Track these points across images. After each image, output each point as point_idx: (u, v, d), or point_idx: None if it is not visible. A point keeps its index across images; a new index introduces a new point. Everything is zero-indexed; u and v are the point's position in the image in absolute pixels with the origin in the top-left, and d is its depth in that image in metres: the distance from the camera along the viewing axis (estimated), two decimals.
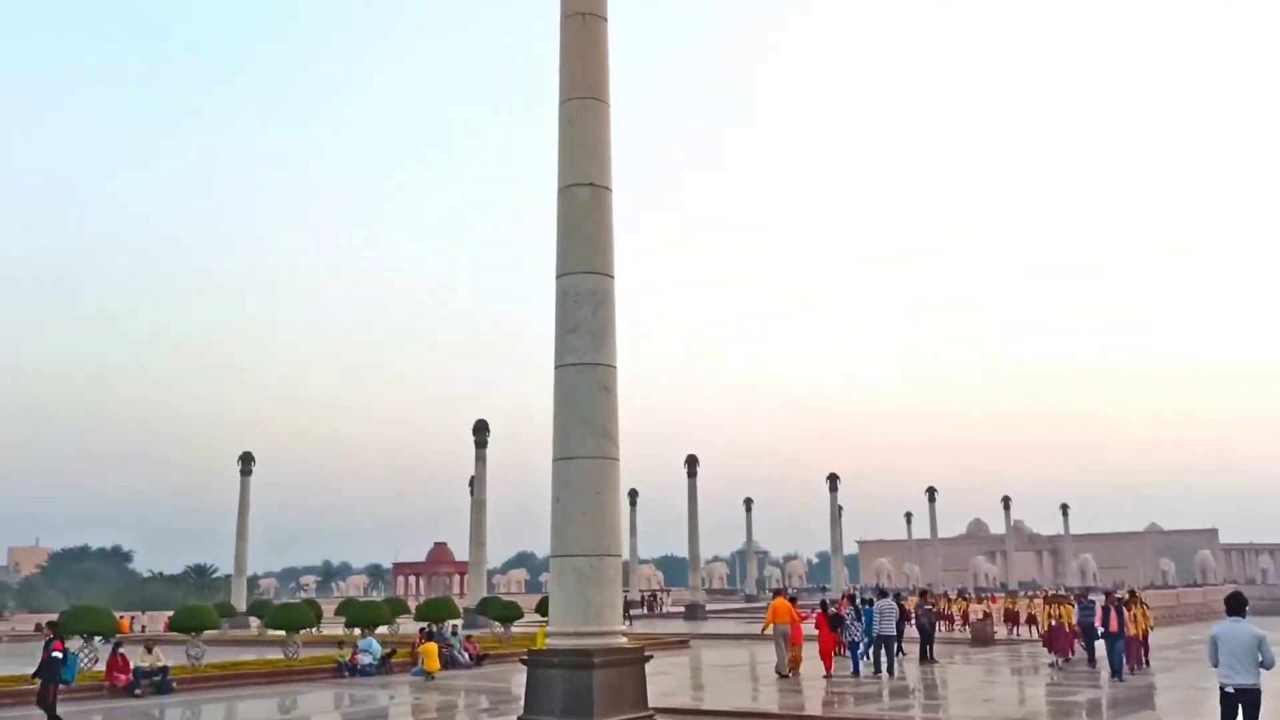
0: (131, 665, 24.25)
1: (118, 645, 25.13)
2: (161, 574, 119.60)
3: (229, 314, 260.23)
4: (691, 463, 66.88)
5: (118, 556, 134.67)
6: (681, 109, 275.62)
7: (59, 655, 18.14)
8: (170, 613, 50.02)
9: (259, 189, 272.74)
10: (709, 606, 70.78)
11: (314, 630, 37.44)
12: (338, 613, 44.91)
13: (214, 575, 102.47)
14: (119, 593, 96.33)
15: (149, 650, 24.78)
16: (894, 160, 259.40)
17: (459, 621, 37.20)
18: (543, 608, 38.79)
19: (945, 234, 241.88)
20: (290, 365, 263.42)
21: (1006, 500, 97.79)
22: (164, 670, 24.60)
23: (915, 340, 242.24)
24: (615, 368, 14.93)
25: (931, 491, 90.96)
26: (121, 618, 31.40)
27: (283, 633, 31.94)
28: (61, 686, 19.14)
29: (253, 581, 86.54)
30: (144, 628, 55.03)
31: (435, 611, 35.65)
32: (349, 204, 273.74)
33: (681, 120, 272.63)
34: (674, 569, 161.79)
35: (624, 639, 14.40)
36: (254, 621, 50.71)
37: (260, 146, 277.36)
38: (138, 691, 23.65)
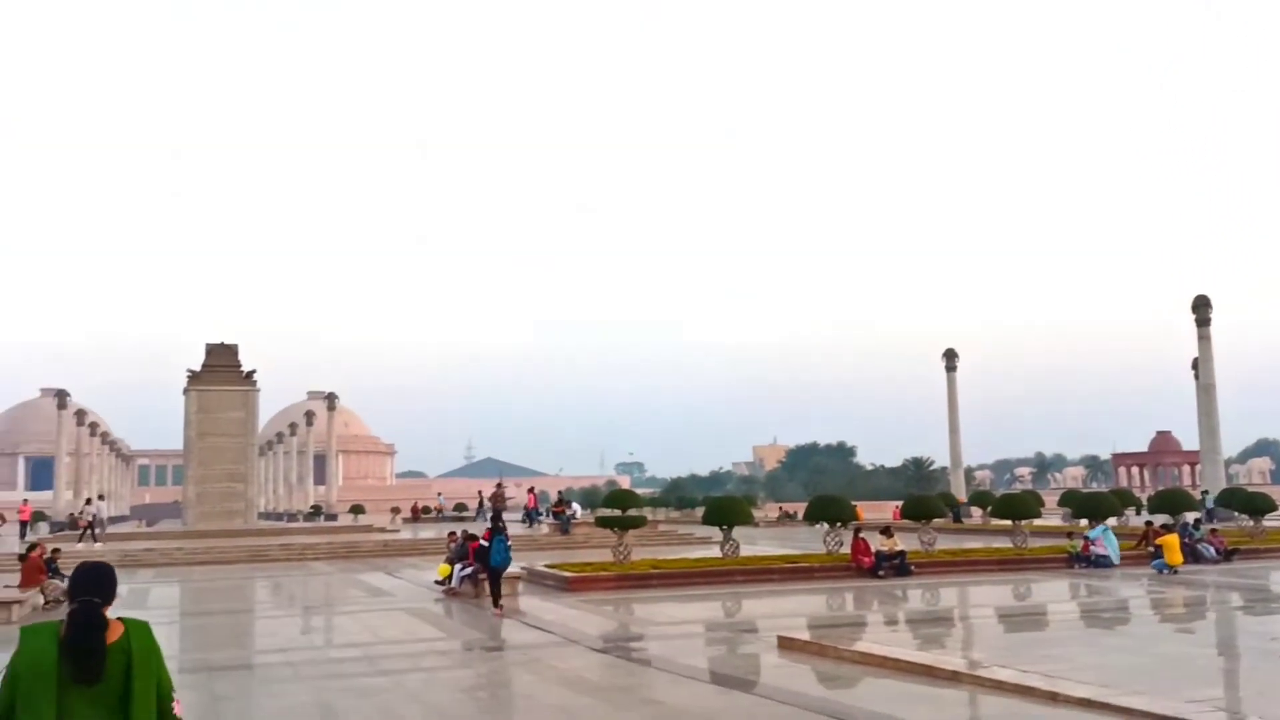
0: (872, 549, 26.37)
1: (858, 531, 27.47)
2: (882, 466, 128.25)
3: (925, 210, 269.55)
4: None
5: (843, 451, 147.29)
6: None
7: (485, 544, 21.62)
8: (896, 503, 53.33)
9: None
10: None
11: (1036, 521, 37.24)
12: (1060, 503, 44.21)
13: (930, 467, 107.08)
14: (847, 484, 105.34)
15: (887, 536, 26.71)
16: None
17: (1199, 514, 34.37)
18: None
19: None
20: (990, 256, 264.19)
21: None
22: (902, 554, 26.35)
23: None
24: None
25: None
26: (857, 506, 34.14)
27: (1007, 522, 32.29)
28: (813, 566, 24.41)
29: (968, 473, 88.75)
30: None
31: (1170, 503, 33.32)
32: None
33: None
34: None
35: None
36: (975, 511, 52.06)
37: None
38: (880, 573, 25.66)
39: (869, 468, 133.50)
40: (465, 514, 67.13)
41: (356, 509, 75.48)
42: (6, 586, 22.46)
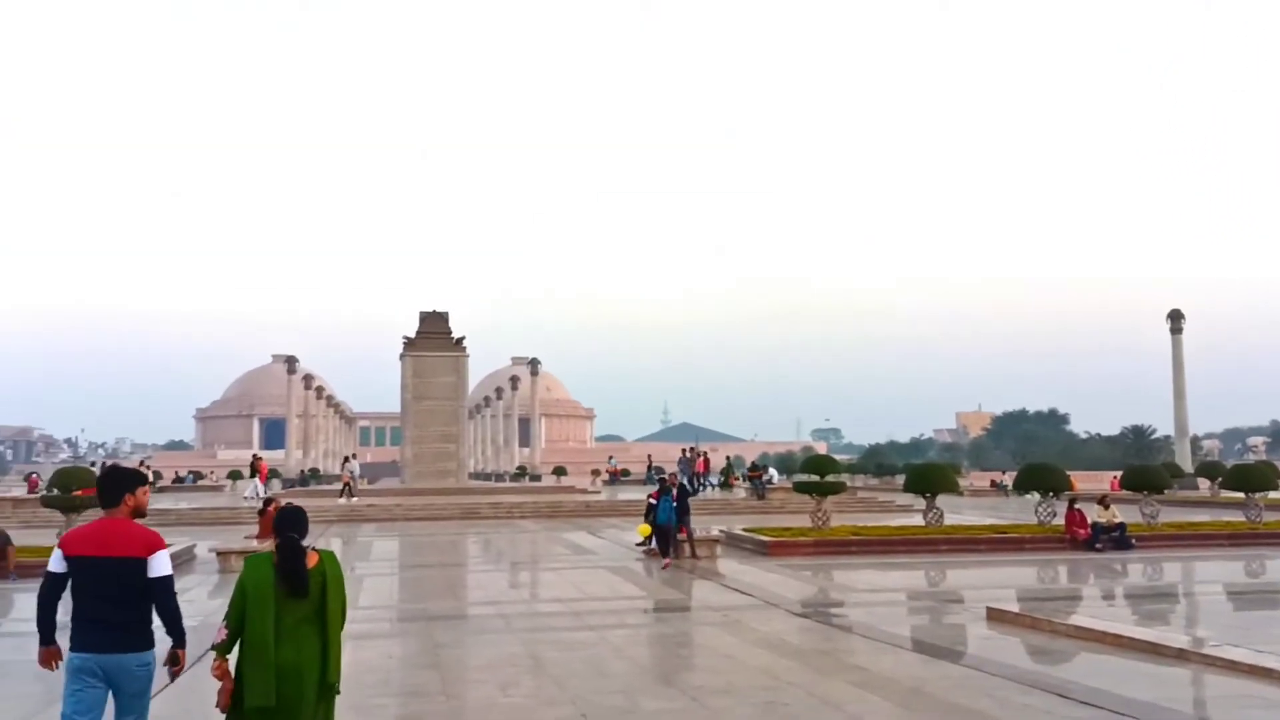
0: (1089, 521, 25.11)
1: (1073, 502, 26.20)
2: (1098, 435, 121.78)
3: (1140, 164, 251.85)
4: None
5: (1055, 419, 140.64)
6: None
7: (653, 503, 23.41)
8: (1113, 473, 50.64)
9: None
10: None
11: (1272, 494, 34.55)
12: None
13: (1152, 436, 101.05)
14: (1060, 452, 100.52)
15: (1105, 507, 25.37)
16: None
17: None
18: None
19: None
20: (1217, 218, 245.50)
21: None
22: (1121, 527, 24.99)
23: None
24: None
25: None
26: (1070, 476, 32.56)
27: (1240, 495, 30.12)
28: (1024, 537, 24.30)
29: (1194, 442, 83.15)
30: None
31: None
32: None
33: None
34: None
35: None
36: (1203, 483, 48.81)
37: None
38: (1098, 546, 24.41)
39: (1083, 436, 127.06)
40: (660, 476, 68.07)
41: (559, 470, 77.76)
42: (246, 536, 24.48)
